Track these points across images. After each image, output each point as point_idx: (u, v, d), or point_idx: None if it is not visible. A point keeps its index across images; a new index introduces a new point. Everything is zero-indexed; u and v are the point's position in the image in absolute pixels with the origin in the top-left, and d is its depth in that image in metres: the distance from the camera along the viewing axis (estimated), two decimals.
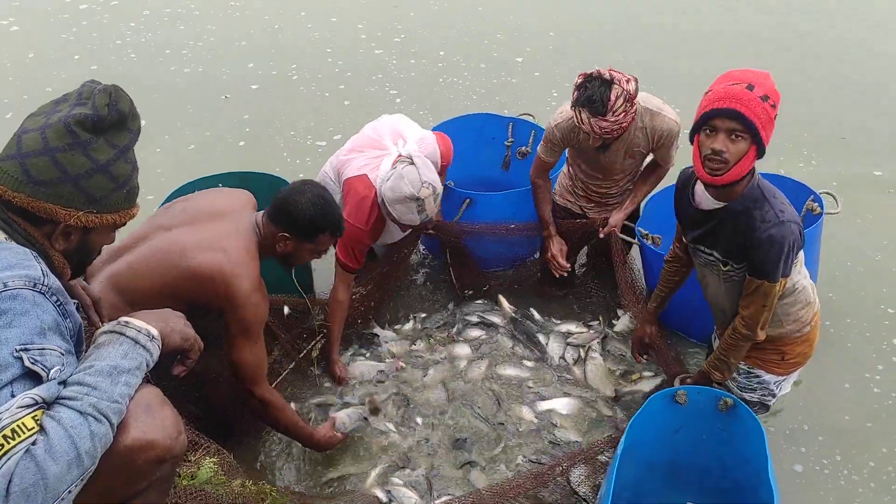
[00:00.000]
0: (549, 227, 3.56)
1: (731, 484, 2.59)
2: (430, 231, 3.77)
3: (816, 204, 3.29)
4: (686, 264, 2.83)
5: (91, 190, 1.54)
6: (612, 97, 2.90)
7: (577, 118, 3.01)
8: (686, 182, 2.51)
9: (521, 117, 4.24)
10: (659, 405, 2.57)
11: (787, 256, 2.27)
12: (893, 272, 3.95)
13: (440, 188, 3.13)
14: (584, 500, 2.70)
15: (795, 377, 2.71)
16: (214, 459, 2.33)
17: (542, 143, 3.44)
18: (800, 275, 2.48)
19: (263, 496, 2.48)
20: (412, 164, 3.09)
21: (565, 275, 3.58)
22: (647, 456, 2.59)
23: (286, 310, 3.30)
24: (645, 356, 3.19)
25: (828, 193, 3.35)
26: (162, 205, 3.50)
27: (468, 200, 3.75)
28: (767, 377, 2.68)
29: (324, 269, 3.81)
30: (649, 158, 3.47)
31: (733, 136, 2.15)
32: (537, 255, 3.99)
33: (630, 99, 2.94)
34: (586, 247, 3.83)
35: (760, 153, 2.20)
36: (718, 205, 2.36)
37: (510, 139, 4.24)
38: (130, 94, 1.64)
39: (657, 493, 2.72)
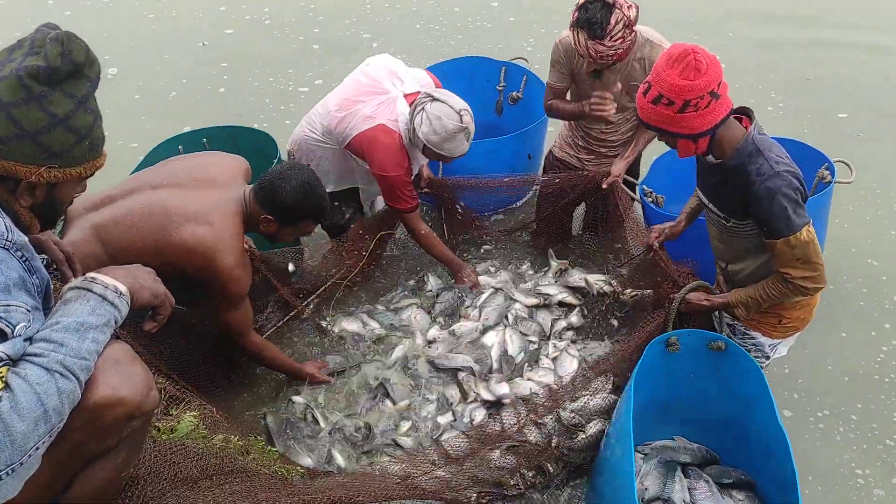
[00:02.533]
0: (581, 106, 3.29)
1: (716, 417, 2.64)
2: (426, 189, 3.76)
3: (828, 172, 3.20)
4: None
5: (51, 145, 1.46)
6: (612, 21, 2.81)
7: (574, 39, 2.94)
8: None
9: (513, 61, 4.17)
10: (655, 351, 2.56)
11: (793, 204, 2.23)
12: None
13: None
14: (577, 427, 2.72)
15: (792, 342, 2.69)
16: (195, 413, 2.33)
17: (550, 68, 3.37)
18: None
19: (248, 450, 2.51)
20: (436, 99, 3.06)
21: (611, 114, 3.28)
22: (643, 401, 2.58)
23: (291, 266, 3.31)
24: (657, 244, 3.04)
25: (842, 162, 3.27)
26: (148, 155, 3.48)
27: None
28: (762, 339, 2.66)
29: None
30: None
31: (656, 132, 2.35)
32: (521, 203, 3.99)
33: (629, 25, 2.85)
34: (584, 204, 3.78)
35: (693, 137, 2.26)
36: (714, 161, 2.39)
37: (502, 84, 4.18)
38: (105, 42, 1.57)
39: (650, 427, 2.74)
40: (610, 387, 2.79)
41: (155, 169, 2.67)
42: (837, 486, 2.78)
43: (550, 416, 2.73)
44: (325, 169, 3.43)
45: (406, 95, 3.20)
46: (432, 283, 3.58)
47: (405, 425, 2.89)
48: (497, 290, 3.45)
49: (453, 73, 4.02)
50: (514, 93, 4.16)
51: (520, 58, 4.18)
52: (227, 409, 2.97)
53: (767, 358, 2.73)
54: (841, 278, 3.64)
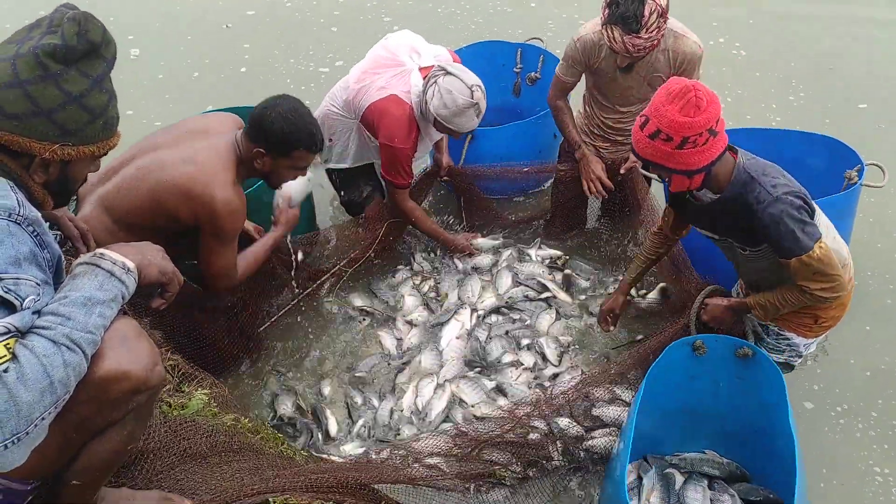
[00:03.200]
0: (580, 147, 3.43)
1: (747, 430, 2.58)
2: (445, 178, 3.77)
3: (855, 173, 3.12)
4: (665, 241, 2.87)
5: (65, 123, 1.49)
6: (646, 13, 2.77)
7: (607, 36, 2.89)
8: None
9: (529, 42, 4.15)
10: (677, 354, 2.53)
11: (800, 224, 2.23)
12: None
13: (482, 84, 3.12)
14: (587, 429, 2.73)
15: (823, 337, 2.67)
16: (206, 391, 2.37)
17: (561, 61, 3.35)
18: (827, 238, 2.38)
19: (256, 430, 2.54)
20: (448, 73, 3.06)
21: (606, 196, 3.45)
22: (662, 404, 2.57)
23: (300, 255, 3.32)
24: (612, 327, 3.16)
25: (875, 164, 3.18)
26: None
27: (470, 136, 3.72)
28: (797, 340, 2.63)
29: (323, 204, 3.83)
30: None
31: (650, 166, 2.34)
32: (547, 185, 3.96)
33: (663, 14, 2.82)
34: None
35: (689, 174, 2.26)
36: (713, 196, 2.40)
37: (519, 65, 4.16)
38: (128, 23, 1.59)
39: (674, 440, 2.72)
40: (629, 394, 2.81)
41: (150, 136, 2.69)
42: (856, 482, 2.74)
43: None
44: (344, 143, 3.48)
45: (421, 69, 3.21)
46: (418, 259, 3.64)
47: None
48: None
49: (470, 59, 3.95)
50: (533, 73, 4.16)
51: (535, 38, 4.16)
52: (237, 389, 3.02)
53: (800, 356, 2.71)
54: (865, 275, 3.57)
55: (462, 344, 3.19)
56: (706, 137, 2.17)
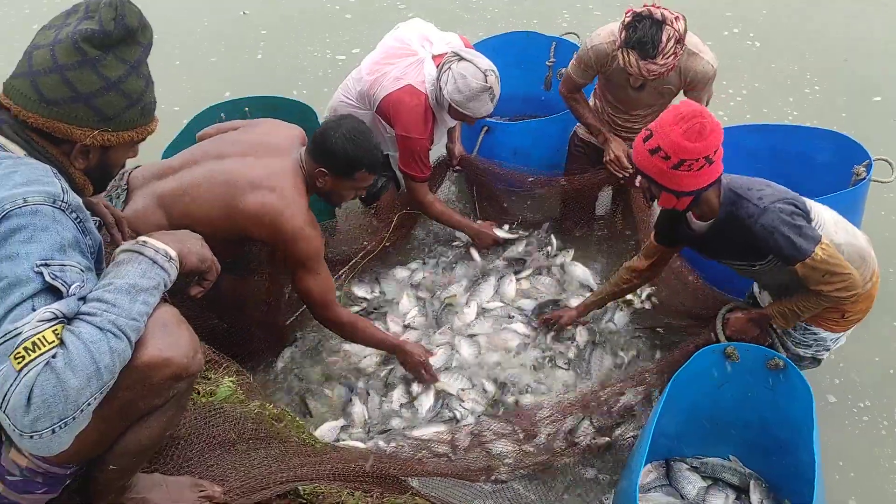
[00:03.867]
0: (602, 132, 3.42)
1: (771, 442, 2.58)
2: (458, 167, 3.76)
3: (863, 169, 3.11)
4: (643, 278, 2.92)
5: (104, 108, 1.50)
6: (664, 39, 2.77)
7: (623, 60, 2.88)
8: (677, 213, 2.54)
9: (564, 37, 4.13)
10: (706, 360, 2.53)
11: (795, 230, 2.25)
12: None
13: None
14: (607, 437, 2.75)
15: (851, 331, 2.67)
16: (233, 379, 2.38)
17: (574, 62, 3.33)
18: (836, 235, 2.40)
19: (280, 417, 2.55)
20: (462, 59, 3.05)
21: (628, 175, 3.39)
22: (687, 408, 2.58)
23: None
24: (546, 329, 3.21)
25: (883, 160, 3.18)
26: (191, 122, 3.52)
27: (486, 129, 3.71)
28: (825, 334, 2.63)
29: None
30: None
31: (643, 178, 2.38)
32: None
33: (680, 40, 2.81)
34: (610, 188, 3.75)
35: (678, 194, 2.31)
36: (706, 224, 2.47)
37: (552, 59, 4.12)
38: (145, 8, 1.60)
39: (697, 445, 2.72)
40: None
41: (215, 140, 2.68)
42: (879, 480, 2.76)
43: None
44: None
45: (434, 57, 3.20)
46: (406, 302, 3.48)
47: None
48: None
49: (503, 48, 3.99)
50: (564, 69, 4.11)
51: (571, 33, 4.13)
52: (260, 377, 3.04)
53: (828, 350, 2.70)
54: (887, 271, 3.55)
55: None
56: (702, 164, 2.23)
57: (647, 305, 3.41)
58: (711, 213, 2.43)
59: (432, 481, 2.47)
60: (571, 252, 3.63)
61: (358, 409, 2.92)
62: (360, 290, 3.49)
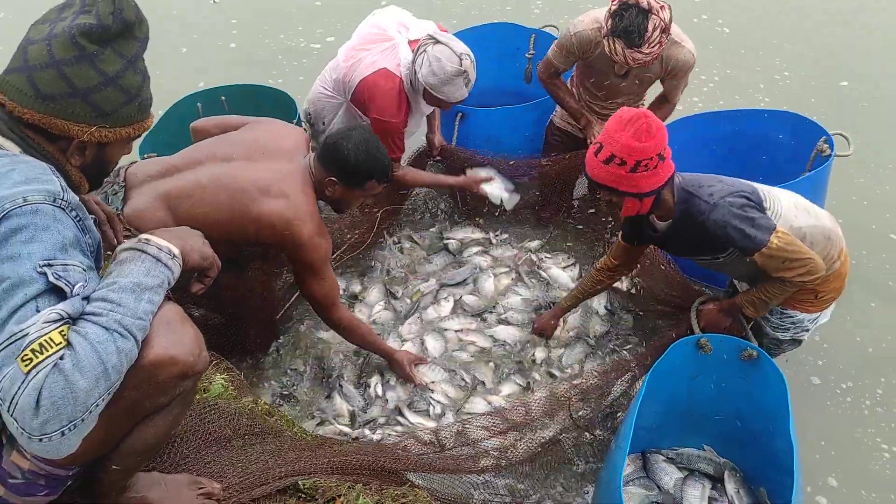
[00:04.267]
0: (584, 115, 3.46)
1: (746, 432, 2.63)
2: (437, 157, 3.75)
3: (827, 145, 3.21)
4: (614, 276, 2.97)
5: (101, 104, 1.47)
6: (650, 28, 2.80)
7: (609, 48, 2.91)
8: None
9: (544, 29, 4.13)
10: (681, 352, 2.56)
11: (747, 222, 2.31)
12: None
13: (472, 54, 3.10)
14: (585, 430, 2.75)
15: (832, 309, 2.72)
16: (225, 376, 2.37)
17: (555, 47, 3.34)
18: (797, 219, 2.45)
19: (271, 412, 2.54)
20: (438, 42, 3.04)
21: None
22: (664, 400, 2.61)
23: None
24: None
25: (840, 134, 3.27)
26: (168, 111, 3.45)
27: (460, 115, 3.71)
28: (801, 316, 2.68)
29: None
30: (657, 90, 3.42)
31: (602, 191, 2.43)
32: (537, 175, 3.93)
33: (665, 29, 2.85)
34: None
35: (640, 196, 2.36)
36: (667, 224, 2.54)
37: (532, 51, 4.13)
38: None
39: (673, 437, 2.76)
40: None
41: (219, 141, 2.64)
42: (861, 458, 2.84)
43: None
44: (335, 123, 3.44)
45: (410, 42, 3.18)
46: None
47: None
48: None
49: (482, 40, 3.97)
50: None
51: (550, 25, 4.14)
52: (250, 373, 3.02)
53: (807, 331, 2.75)
54: (861, 253, 3.66)
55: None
56: (656, 162, 2.29)
57: (628, 286, 3.46)
58: (669, 213, 2.48)
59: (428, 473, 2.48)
60: (560, 259, 3.63)
61: (338, 402, 2.93)
62: (342, 284, 3.48)
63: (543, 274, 3.54)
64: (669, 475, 2.66)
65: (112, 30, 1.46)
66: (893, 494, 2.72)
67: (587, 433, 2.77)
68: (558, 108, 3.70)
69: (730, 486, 2.61)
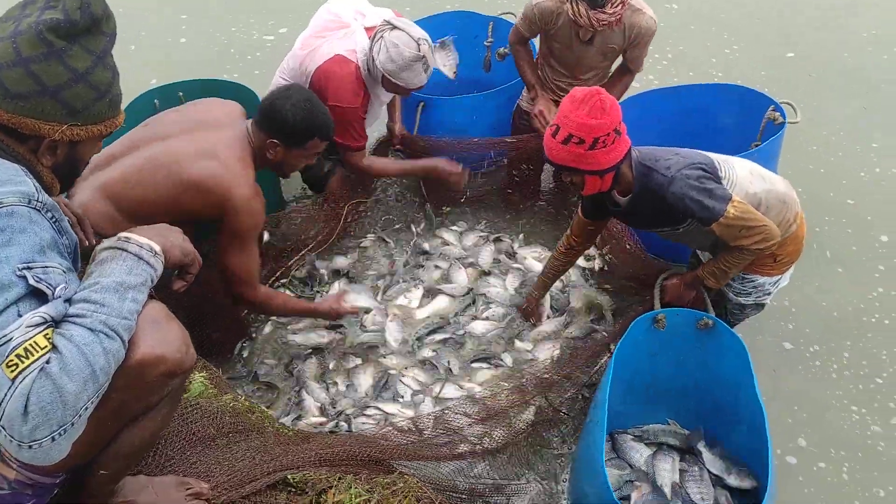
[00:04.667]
0: (535, 87, 3.49)
1: (710, 402, 2.67)
2: (398, 146, 3.73)
3: (778, 113, 3.27)
4: (575, 254, 3.01)
5: (72, 102, 1.43)
6: None
7: (573, 10, 2.96)
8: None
9: (501, 16, 4.10)
10: (641, 328, 2.60)
11: (704, 193, 2.36)
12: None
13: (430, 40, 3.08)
14: (561, 411, 2.80)
15: (791, 270, 2.79)
16: (204, 374, 2.34)
17: (520, 16, 3.38)
18: (752, 185, 2.50)
19: (252, 410, 2.51)
20: (395, 27, 3.01)
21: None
22: (627, 380, 2.63)
23: (266, 236, 3.26)
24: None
25: (787, 103, 3.33)
26: (126, 109, 3.36)
27: (422, 104, 3.69)
28: (762, 279, 2.74)
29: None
30: (618, 63, 3.46)
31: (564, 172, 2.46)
32: (505, 160, 3.94)
33: None
34: None
35: (601, 173, 2.39)
36: (628, 199, 2.55)
37: (490, 39, 4.11)
38: None
39: (639, 415, 2.79)
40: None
41: (152, 123, 2.59)
42: (832, 418, 2.92)
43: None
44: None
45: (367, 28, 3.15)
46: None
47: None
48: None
49: (440, 28, 3.91)
50: (503, 48, 4.08)
51: (508, 13, 4.11)
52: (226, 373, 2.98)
53: (769, 294, 2.81)
54: (823, 220, 3.77)
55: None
56: (613, 137, 2.34)
57: (601, 265, 3.49)
58: (629, 187, 2.52)
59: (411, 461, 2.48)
60: (537, 251, 3.63)
61: (307, 399, 2.89)
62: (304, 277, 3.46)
63: (519, 266, 3.53)
64: (639, 452, 2.68)
65: (80, 25, 1.42)
66: (860, 452, 2.82)
67: (562, 413, 2.81)
68: (525, 92, 3.71)
69: (706, 455, 2.65)
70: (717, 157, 2.53)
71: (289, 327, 3.15)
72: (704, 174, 2.41)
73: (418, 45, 2.99)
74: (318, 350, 3.07)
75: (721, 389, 2.61)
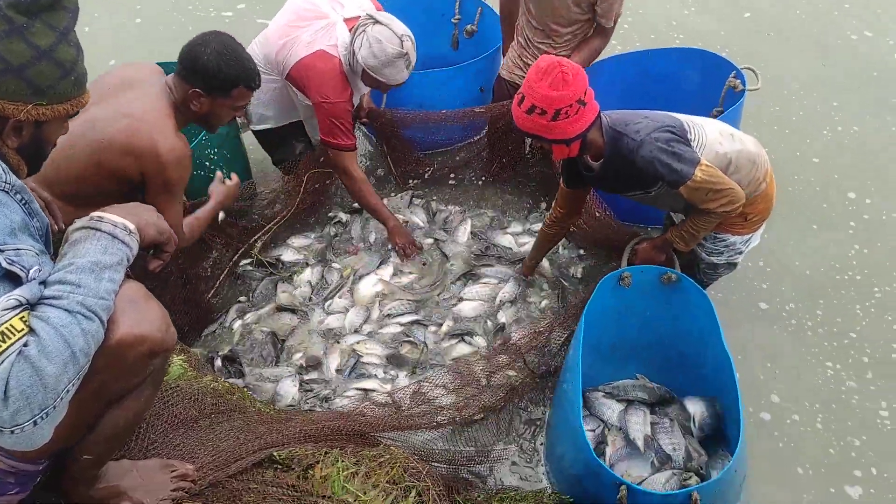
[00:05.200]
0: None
1: (677, 357, 2.73)
2: (364, 119, 3.69)
3: (738, 81, 3.29)
4: (564, 225, 3.04)
5: (37, 80, 1.39)
6: None
7: None
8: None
9: None
10: (608, 288, 2.63)
11: (673, 157, 2.39)
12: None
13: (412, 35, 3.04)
14: (537, 375, 2.83)
15: (762, 229, 2.83)
16: (182, 357, 2.31)
17: None
18: (722, 146, 2.52)
19: (233, 391, 2.50)
20: (378, 22, 2.96)
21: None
22: (596, 340, 2.68)
23: (221, 215, 3.18)
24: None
25: (749, 69, 3.35)
26: None
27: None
28: (734, 238, 2.77)
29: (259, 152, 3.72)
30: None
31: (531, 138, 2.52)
32: (483, 133, 3.92)
33: None
34: None
35: (566, 142, 2.43)
36: (599, 163, 2.58)
37: (457, 16, 4.07)
38: None
39: (608, 373, 2.84)
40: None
41: None
42: (808, 374, 2.98)
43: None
44: (266, 102, 3.34)
45: (346, 20, 3.09)
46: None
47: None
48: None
49: (408, 7, 3.82)
50: (469, 26, 4.04)
51: None
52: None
53: (741, 254, 2.85)
54: (793, 179, 3.83)
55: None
56: (577, 108, 2.36)
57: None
58: (599, 153, 2.55)
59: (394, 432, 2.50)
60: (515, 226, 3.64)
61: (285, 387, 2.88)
62: (271, 256, 3.45)
63: (504, 243, 3.54)
64: (611, 408, 2.74)
65: (41, 1, 1.37)
66: (834, 404, 2.90)
67: (538, 377, 2.84)
68: (506, 60, 3.68)
69: (672, 409, 2.73)
70: (686, 119, 2.54)
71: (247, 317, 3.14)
72: (673, 136, 2.43)
73: (401, 41, 2.95)
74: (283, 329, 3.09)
75: (687, 343, 2.68)
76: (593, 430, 2.68)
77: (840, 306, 3.26)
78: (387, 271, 3.33)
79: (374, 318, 3.16)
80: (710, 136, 2.53)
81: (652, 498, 2.13)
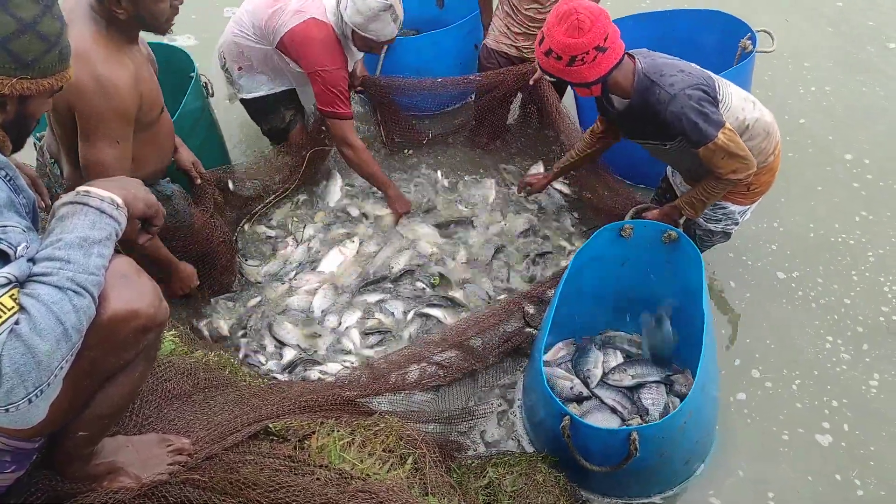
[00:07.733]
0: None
1: (673, 311, 2.77)
2: (359, 88, 3.66)
3: (750, 42, 3.30)
4: (604, 141, 3.01)
5: (21, 53, 1.37)
6: None
7: None
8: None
9: None
10: (605, 238, 2.67)
11: (701, 115, 2.38)
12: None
13: None
14: (531, 325, 2.86)
15: (755, 206, 2.85)
16: (174, 332, 2.30)
17: None
18: (744, 112, 2.54)
19: (223, 365, 2.50)
20: None
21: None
22: (594, 289, 2.73)
23: (231, 185, 3.20)
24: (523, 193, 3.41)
25: (764, 31, 3.35)
26: None
27: (386, 46, 3.62)
28: (733, 207, 2.80)
29: (235, 138, 3.67)
30: None
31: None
32: (472, 98, 3.92)
33: None
34: (519, 94, 3.77)
35: (586, 85, 2.45)
36: (625, 103, 2.58)
37: None
38: None
39: (607, 322, 2.91)
40: None
41: None
42: (807, 346, 3.02)
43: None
44: (257, 70, 3.30)
45: None
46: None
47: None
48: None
49: None
50: None
51: None
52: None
53: (737, 224, 2.88)
54: (798, 142, 3.85)
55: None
56: (594, 55, 2.36)
57: (571, 192, 3.57)
58: (625, 94, 2.54)
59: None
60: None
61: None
62: (266, 230, 3.48)
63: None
64: (594, 359, 2.80)
65: None
66: (817, 371, 2.94)
67: (533, 329, 2.87)
68: (492, 30, 3.66)
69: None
70: (717, 79, 2.55)
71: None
72: (705, 96, 2.42)
73: None
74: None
75: (682, 298, 2.72)
76: (571, 382, 2.74)
77: (837, 272, 3.28)
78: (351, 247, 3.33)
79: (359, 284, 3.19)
80: (736, 101, 2.55)
81: (593, 431, 2.22)
